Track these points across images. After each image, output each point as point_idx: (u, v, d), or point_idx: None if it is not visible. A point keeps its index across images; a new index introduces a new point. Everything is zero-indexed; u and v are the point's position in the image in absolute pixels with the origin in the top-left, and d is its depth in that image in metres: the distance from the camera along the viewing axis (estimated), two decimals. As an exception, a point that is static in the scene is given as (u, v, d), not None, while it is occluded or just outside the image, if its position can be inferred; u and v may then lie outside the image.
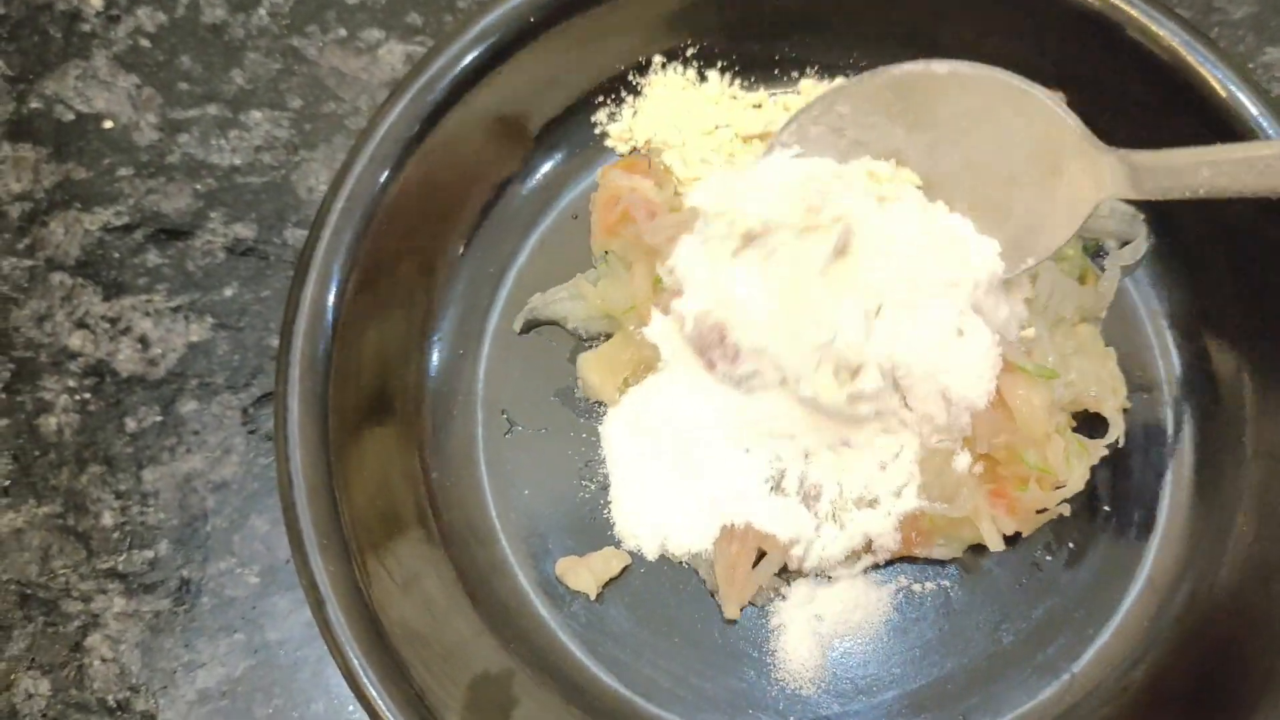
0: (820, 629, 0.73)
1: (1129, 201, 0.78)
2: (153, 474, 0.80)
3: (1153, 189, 0.66)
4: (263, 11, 0.91)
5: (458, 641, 0.71)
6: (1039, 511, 0.73)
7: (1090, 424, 0.75)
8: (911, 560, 0.75)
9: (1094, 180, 0.68)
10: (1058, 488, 0.72)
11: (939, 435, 0.70)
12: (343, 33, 0.90)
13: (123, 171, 0.87)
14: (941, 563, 0.75)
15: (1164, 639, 0.71)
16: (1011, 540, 0.74)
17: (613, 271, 0.78)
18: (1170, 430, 0.77)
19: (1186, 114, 0.75)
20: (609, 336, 0.79)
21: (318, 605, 0.65)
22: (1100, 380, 0.75)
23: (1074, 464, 0.73)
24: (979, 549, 0.74)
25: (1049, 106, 0.69)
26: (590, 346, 0.80)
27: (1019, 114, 0.70)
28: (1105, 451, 0.74)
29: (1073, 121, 0.69)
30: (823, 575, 0.74)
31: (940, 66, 0.71)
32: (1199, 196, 0.65)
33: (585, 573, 0.73)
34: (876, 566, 0.75)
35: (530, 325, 0.81)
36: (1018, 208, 0.71)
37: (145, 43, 0.91)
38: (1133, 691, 0.71)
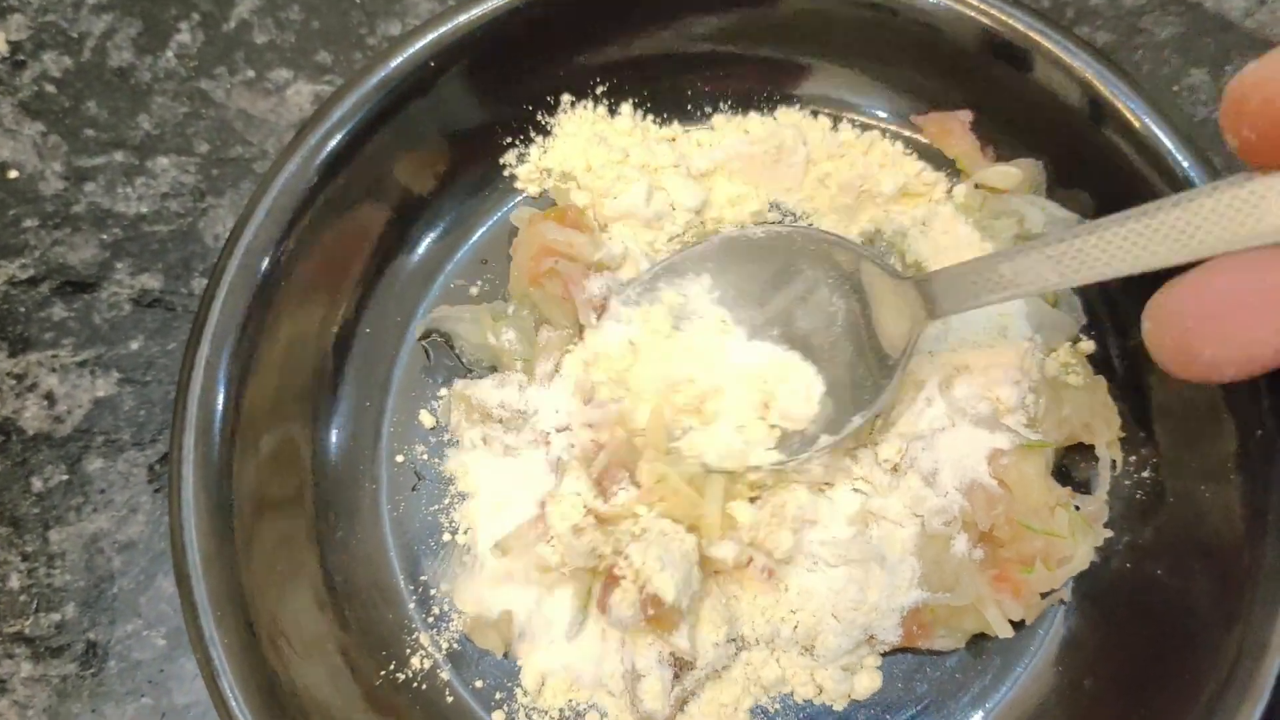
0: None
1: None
2: (59, 534, 0.78)
3: (952, 308, 0.66)
4: (170, 54, 0.89)
5: (363, 708, 0.69)
6: (1043, 596, 0.71)
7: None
8: (913, 651, 0.73)
9: (910, 316, 0.68)
10: (1062, 565, 0.71)
11: (936, 517, 0.70)
12: (251, 74, 0.88)
13: (28, 222, 0.85)
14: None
15: (1077, 687, 0.70)
16: (1016, 627, 0.71)
17: (523, 323, 0.77)
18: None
19: (1103, 140, 0.74)
20: (493, 369, 0.78)
21: (212, 679, 0.64)
22: (1093, 410, 0.73)
23: (1079, 538, 0.71)
24: (981, 637, 0.72)
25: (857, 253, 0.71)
26: (471, 374, 0.79)
27: (834, 266, 0.72)
28: (1109, 533, 0.72)
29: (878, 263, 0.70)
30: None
31: (756, 231, 0.75)
32: (1006, 299, 0.64)
33: (492, 632, 0.71)
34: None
35: (426, 334, 0.79)
36: (846, 363, 0.71)
37: (51, 88, 0.89)
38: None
